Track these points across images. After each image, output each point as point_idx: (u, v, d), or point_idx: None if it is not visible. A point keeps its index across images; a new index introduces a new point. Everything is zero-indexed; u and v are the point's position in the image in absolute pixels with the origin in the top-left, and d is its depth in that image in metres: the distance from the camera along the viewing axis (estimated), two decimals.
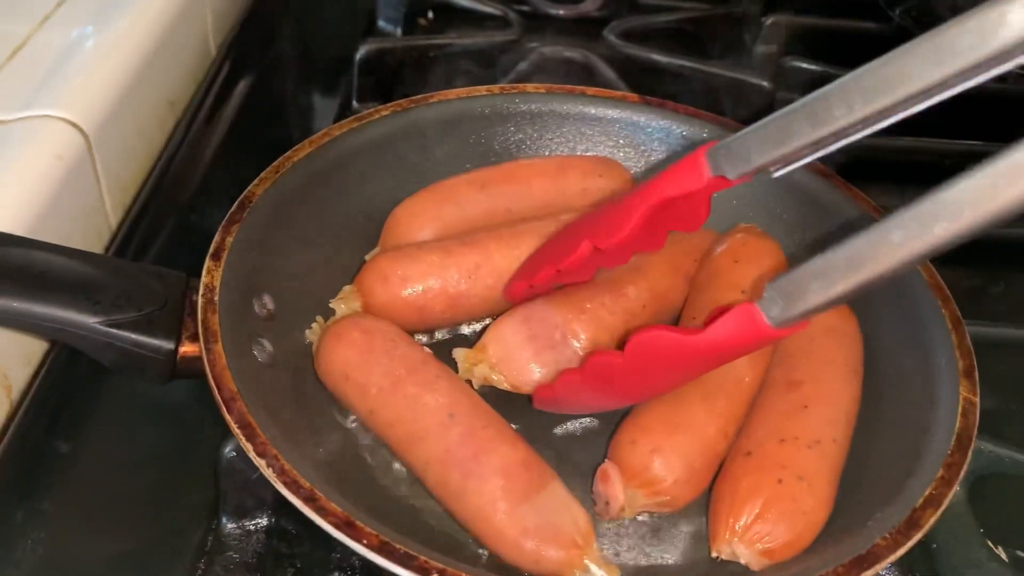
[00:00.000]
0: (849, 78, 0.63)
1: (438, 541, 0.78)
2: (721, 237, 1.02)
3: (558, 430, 0.91)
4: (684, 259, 1.01)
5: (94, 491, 0.84)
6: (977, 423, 0.80)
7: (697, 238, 1.03)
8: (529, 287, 0.91)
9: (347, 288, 0.96)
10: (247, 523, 0.85)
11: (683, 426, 0.82)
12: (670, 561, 0.81)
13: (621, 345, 0.73)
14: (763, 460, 0.80)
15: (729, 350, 0.68)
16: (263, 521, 0.85)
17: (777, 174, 0.71)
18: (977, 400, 0.82)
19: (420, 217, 1.01)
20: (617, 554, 0.81)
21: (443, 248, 0.96)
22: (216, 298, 0.82)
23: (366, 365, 0.83)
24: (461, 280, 0.95)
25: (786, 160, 0.69)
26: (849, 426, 0.85)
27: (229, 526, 0.85)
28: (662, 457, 0.80)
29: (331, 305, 0.95)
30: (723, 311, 0.66)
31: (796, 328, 0.64)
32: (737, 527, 0.76)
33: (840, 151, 0.66)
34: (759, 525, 0.76)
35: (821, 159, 0.68)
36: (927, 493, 0.74)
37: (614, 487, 0.80)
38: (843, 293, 0.61)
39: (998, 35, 0.54)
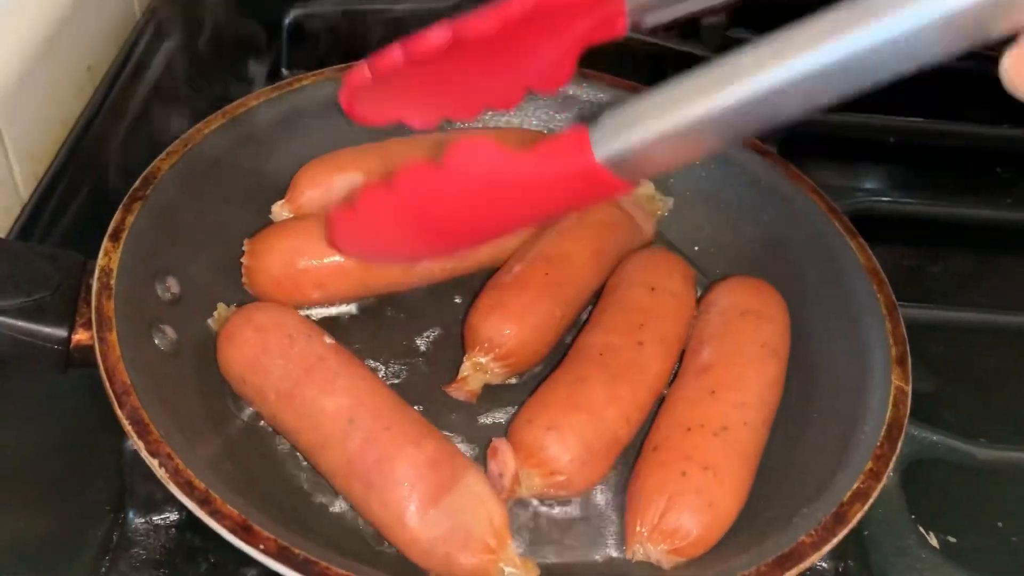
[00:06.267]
0: None
1: (346, 539, 0.75)
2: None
3: (483, 419, 0.87)
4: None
5: None
6: (908, 413, 0.78)
7: None
8: (368, 68, 0.76)
9: (222, 308, 0.88)
10: (156, 517, 0.81)
11: (582, 407, 0.79)
12: (593, 559, 0.78)
13: None
14: (668, 453, 0.78)
15: (553, 177, 0.59)
16: (173, 515, 0.81)
17: (653, 21, 0.65)
18: (909, 389, 0.80)
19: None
20: (536, 552, 0.78)
21: None
22: (113, 282, 0.77)
23: (261, 368, 0.79)
24: None
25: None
26: (764, 409, 0.82)
27: (136, 521, 0.80)
28: (558, 434, 0.77)
29: (209, 323, 0.88)
30: None
31: (621, 185, 0.57)
32: (645, 527, 0.74)
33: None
34: (665, 523, 0.73)
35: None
36: (855, 487, 0.72)
37: (503, 456, 0.77)
38: (680, 128, 0.52)
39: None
